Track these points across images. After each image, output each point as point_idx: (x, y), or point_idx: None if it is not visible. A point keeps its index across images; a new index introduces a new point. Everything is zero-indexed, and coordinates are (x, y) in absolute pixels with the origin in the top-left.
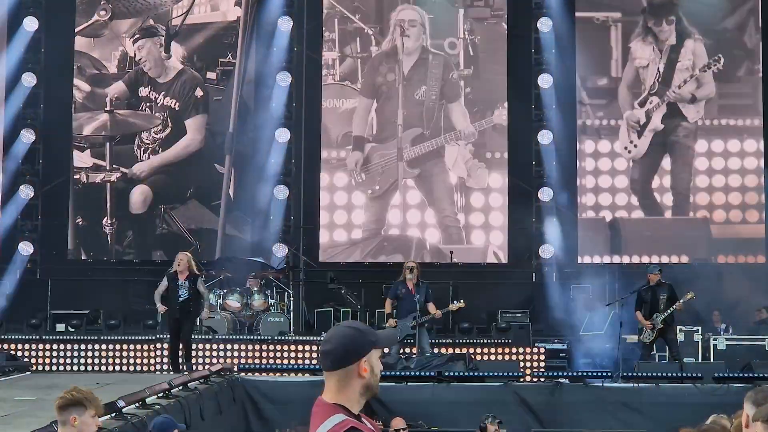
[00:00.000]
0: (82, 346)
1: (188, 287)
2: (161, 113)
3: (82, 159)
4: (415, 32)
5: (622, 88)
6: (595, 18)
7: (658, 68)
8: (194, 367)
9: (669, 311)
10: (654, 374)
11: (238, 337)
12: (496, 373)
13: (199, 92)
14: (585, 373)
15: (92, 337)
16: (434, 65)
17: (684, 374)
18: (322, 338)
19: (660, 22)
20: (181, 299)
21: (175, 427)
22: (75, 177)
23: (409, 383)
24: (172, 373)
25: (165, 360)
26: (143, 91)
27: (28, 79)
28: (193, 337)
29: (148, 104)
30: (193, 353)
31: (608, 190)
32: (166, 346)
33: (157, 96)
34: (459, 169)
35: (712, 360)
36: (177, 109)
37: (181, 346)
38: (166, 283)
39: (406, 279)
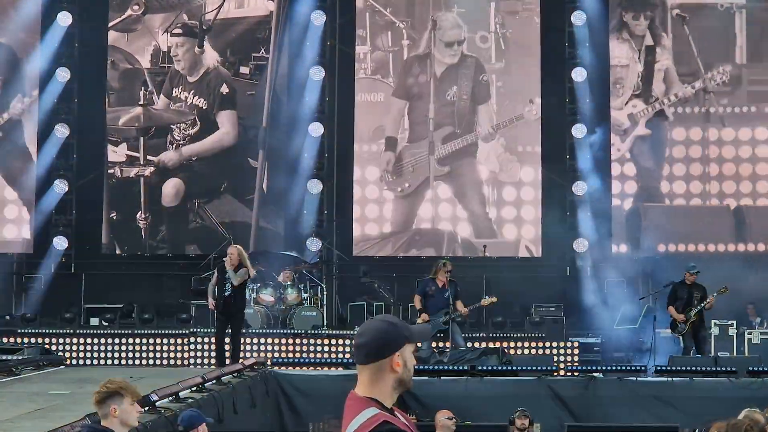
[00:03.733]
0: (116, 340)
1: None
2: (190, 111)
3: (116, 153)
4: (450, 34)
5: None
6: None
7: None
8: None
9: (701, 306)
10: (688, 368)
11: (271, 331)
12: (529, 368)
13: (225, 89)
14: (619, 367)
15: (126, 331)
16: (467, 66)
17: (718, 368)
18: (356, 332)
19: None
20: (226, 293)
21: (203, 420)
22: (109, 171)
23: (442, 377)
24: (214, 367)
25: (198, 354)
26: (175, 91)
27: (62, 74)
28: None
29: (178, 104)
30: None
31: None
32: (199, 339)
33: (187, 95)
34: (491, 163)
35: (746, 354)
36: (204, 108)
37: (228, 341)
38: (217, 276)
39: (438, 276)
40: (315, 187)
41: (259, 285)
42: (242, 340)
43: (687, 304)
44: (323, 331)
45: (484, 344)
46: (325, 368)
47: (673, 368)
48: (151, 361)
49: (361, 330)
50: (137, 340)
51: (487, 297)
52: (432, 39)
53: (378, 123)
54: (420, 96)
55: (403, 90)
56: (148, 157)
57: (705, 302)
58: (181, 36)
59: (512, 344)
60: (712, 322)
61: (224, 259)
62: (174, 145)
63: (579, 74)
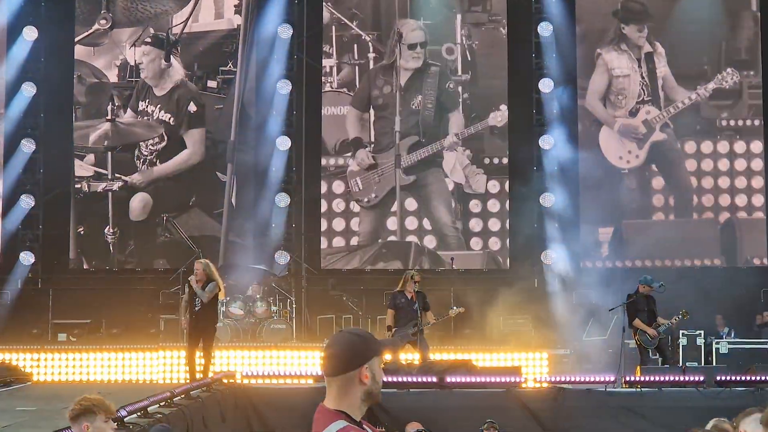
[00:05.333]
0: (84, 356)
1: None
2: (158, 125)
3: (83, 168)
4: (412, 36)
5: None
6: None
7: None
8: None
9: (665, 326)
10: (656, 378)
11: (240, 344)
12: (498, 379)
13: (192, 107)
14: (588, 378)
15: (94, 347)
16: (431, 75)
17: (686, 378)
18: (324, 344)
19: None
20: (196, 309)
21: None
22: (76, 186)
23: (411, 390)
24: (188, 381)
25: (167, 369)
26: (141, 105)
27: (28, 89)
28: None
29: (145, 117)
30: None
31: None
32: (168, 354)
33: (154, 109)
34: (457, 174)
35: (714, 363)
36: (172, 123)
37: (200, 355)
38: (187, 292)
39: (406, 288)
40: (283, 200)
41: (228, 298)
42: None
43: (650, 316)
44: (293, 344)
45: (452, 356)
46: (295, 381)
47: (642, 378)
48: (119, 377)
49: (329, 342)
50: (105, 356)
51: (454, 308)
52: (398, 50)
53: (344, 136)
54: (385, 106)
55: (365, 100)
56: (116, 175)
57: (668, 323)
58: (149, 45)
59: (481, 356)
60: (680, 332)
61: (191, 277)
62: (141, 160)
63: (546, 85)
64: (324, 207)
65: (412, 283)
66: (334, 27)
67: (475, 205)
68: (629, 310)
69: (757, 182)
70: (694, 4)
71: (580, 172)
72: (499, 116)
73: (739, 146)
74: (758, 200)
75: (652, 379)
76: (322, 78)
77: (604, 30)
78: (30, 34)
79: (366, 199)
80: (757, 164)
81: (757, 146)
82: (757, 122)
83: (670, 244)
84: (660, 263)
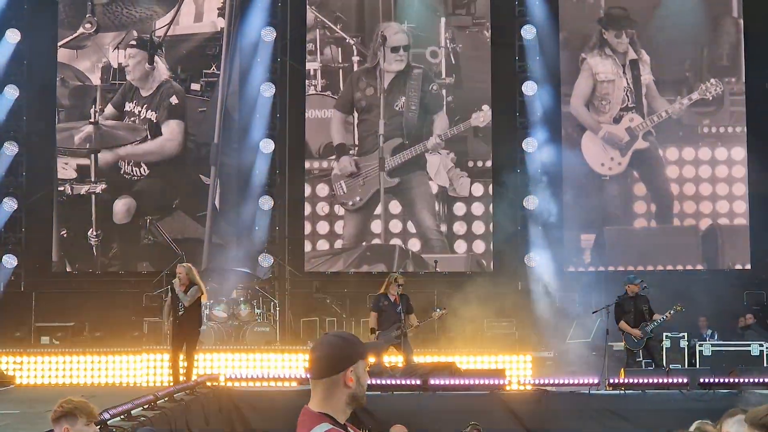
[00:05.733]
0: (67, 359)
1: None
2: (143, 126)
3: (66, 171)
4: (403, 55)
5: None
6: None
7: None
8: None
9: (657, 323)
10: (640, 381)
11: (224, 347)
12: (482, 382)
13: (174, 99)
14: (571, 381)
15: (77, 350)
16: (414, 77)
17: (670, 380)
18: (310, 347)
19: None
20: (179, 313)
21: None
22: (59, 189)
23: (395, 393)
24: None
25: (151, 372)
26: (128, 106)
27: (11, 91)
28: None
29: (132, 119)
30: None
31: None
32: (151, 357)
33: (140, 109)
34: (441, 178)
35: (698, 366)
36: (155, 120)
37: (183, 358)
38: (170, 296)
39: (389, 291)
40: (267, 203)
41: (212, 302)
42: (196, 357)
43: (637, 317)
44: (276, 347)
45: (436, 359)
46: (279, 383)
47: (626, 381)
48: (103, 380)
49: (315, 345)
50: (89, 358)
51: (438, 310)
52: (382, 53)
53: (328, 139)
54: (369, 109)
55: (349, 103)
56: (107, 180)
57: (663, 317)
58: (135, 48)
59: (465, 358)
60: (664, 334)
61: (174, 280)
62: (126, 161)
63: (529, 87)
64: (308, 210)
65: (396, 285)
66: (318, 30)
67: (459, 208)
68: (615, 313)
69: (739, 189)
70: (675, 11)
71: (562, 177)
72: (481, 116)
73: (721, 153)
74: (740, 207)
75: (635, 381)
76: (306, 81)
77: (587, 36)
78: (13, 36)
79: (350, 202)
80: (739, 171)
81: (738, 153)
82: (738, 129)
83: (653, 250)
84: (642, 268)
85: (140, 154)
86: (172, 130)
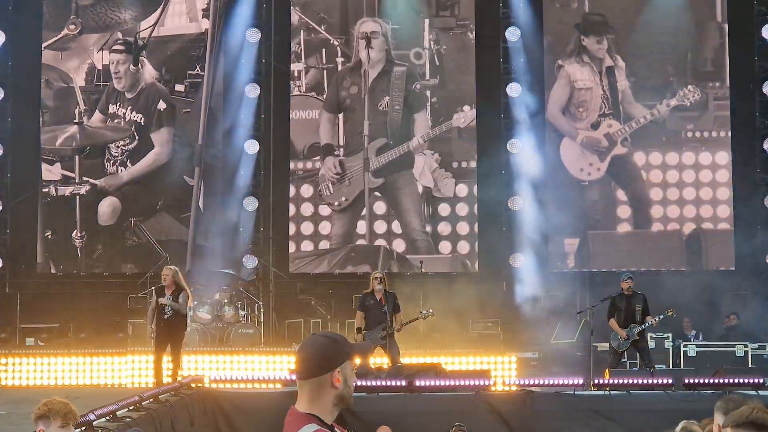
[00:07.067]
0: (52, 360)
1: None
2: (128, 127)
3: (50, 172)
4: (378, 44)
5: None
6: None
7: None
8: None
9: (646, 325)
10: (625, 381)
11: (209, 349)
12: (467, 383)
13: (162, 105)
14: (556, 381)
15: (62, 351)
16: (397, 76)
17: (655, 381)
18: (297, 347)
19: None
20: (166, 315)
21: None
22: (44, 190)
23: (380, 394)
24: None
25: (136, 373)
26: (112, 108)
27: None
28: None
29: (116, 120)
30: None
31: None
32: (136, 358)
33: (124, 111)
34: (426, 178)
35: (682, 366)
36: (142, 123)
37: (168, 360)
38: (155, 299)
39: (374, 290)
40: (251, 204)
41: (196, 303)
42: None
43: (628, 317)
44: (261, 349)
45: (421, 359)
46: (264, 385)
47: (611, 381)
48: (88, 381)
49: (302, 345)
50: (74, 360)
51: (424, 311)
52: (366, 51)
53: (313, 140)
54: (353, 108)
55: (335, 103)
56: (84, 178)
57: (651, 321)
58: (123, 53)
59: (450, 359)
60: (648, 335)
61: (159, 285)
62: (112, 162)
63: (514, 89)
64: (292, 211)
65: (376, 282)
66: (302, 31)
67: (443, 209)
68: (609, 309)
69: (723, 193)
70: (658, 16)
71: (546, 179)
72: (463, 117)
73: (705, 157)
74: (724, 211)
75: (620, 381)
76: (291, 82)
77: (567, 42)
78: None
79: (336, 203)
80: (723, 175)
81: (722, 157)
82: (723, 133)
83: (636, 254)
84: (626, 270)
85: (139, 173)
86: (163, 140)
